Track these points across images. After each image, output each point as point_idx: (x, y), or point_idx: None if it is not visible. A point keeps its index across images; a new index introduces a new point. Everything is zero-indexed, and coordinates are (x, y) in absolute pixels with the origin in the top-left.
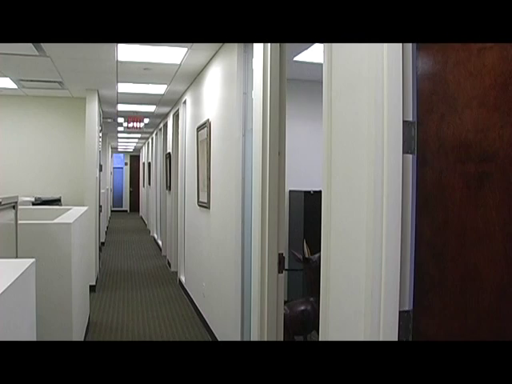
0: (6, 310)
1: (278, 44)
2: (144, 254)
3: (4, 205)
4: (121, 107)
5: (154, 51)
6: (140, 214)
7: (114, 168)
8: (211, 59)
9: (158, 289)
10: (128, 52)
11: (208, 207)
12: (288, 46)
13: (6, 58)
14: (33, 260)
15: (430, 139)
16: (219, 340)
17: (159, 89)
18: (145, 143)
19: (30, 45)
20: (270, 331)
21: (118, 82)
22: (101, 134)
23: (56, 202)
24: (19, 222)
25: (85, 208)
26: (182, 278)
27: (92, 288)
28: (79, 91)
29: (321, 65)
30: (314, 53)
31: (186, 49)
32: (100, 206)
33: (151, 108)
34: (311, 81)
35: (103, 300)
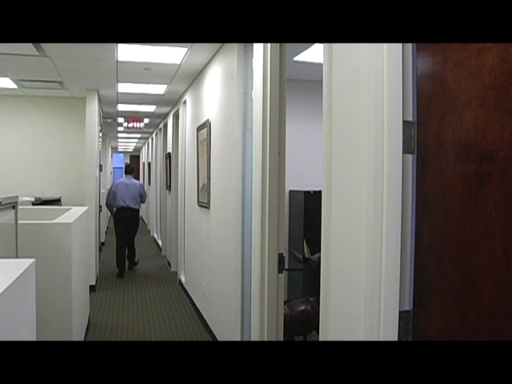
0: (5, 310)
1: (278, 44)
2: (144, 253)
3: (4, 205)
4: (121, 107)
5: (154, 51)
6: (140, 213)
7: (113, 168)
8: (211, 59)
9: (158, 289)
10: (128, 52)
11: (208, 207)
12: (288, 45)
13: (6, 58)
14: (33, 260)
15: (430, 139)
16: (219, 340)
17: (159, 89)
18: (145, 143)
19: (30, 45)
20: (270, 331)
21: (117, 82)
22: (101, 134)
23: (56, 201)
24: (19, 222)
25: (85, 208)
26: (182, 278)
27: (92, 288)
28: (79, 91)
29: (321, 65)
30: (314, 53)
31: (185, 49)
32: (100, 206)
33: (151, 108)
34: (311, 81)
35: (103, 300)
